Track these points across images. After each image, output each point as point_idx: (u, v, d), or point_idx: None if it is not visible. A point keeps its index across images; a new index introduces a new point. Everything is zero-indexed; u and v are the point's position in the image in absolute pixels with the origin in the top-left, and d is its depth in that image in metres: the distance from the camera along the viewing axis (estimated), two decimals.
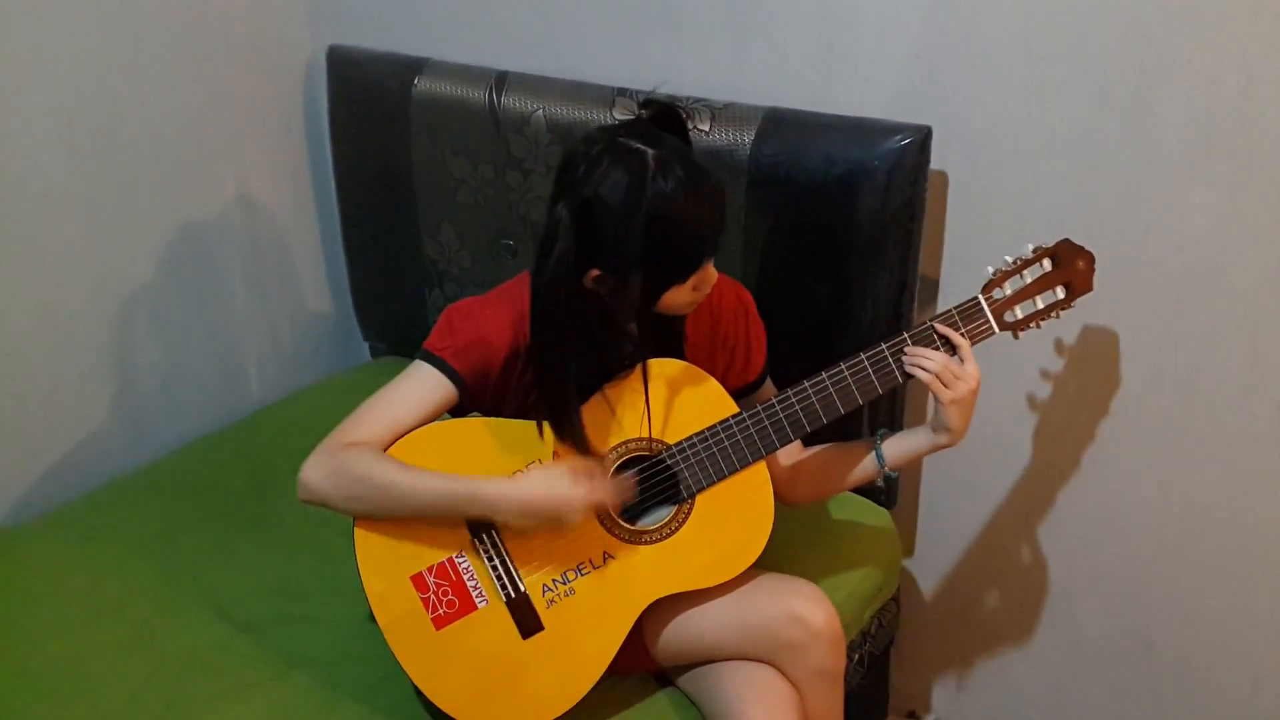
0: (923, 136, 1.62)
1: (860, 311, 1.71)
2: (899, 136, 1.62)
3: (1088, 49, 1.56)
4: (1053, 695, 1.96)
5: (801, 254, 1.74)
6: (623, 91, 1.82)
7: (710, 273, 1.38)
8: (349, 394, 2.15)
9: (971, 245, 1.75)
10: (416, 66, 2.03)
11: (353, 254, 2.29)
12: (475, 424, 1.44)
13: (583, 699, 1.43)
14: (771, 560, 1.48)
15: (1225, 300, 1.58)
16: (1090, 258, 1.49)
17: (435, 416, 1.43)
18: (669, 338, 1.49)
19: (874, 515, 1.85)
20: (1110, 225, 1.63)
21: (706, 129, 1.73)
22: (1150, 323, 1.64)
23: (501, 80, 1.93)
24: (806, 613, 1.42)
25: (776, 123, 1.70)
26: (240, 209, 2.21)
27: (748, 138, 1.71)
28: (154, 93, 2.02)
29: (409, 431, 1.41)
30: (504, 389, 1.46)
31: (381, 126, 2.08)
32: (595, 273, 1.34)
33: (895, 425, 1.81)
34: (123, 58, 1.97)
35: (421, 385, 1.42)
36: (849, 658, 1.76)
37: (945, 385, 1.43)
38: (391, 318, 2.31)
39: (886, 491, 1.86)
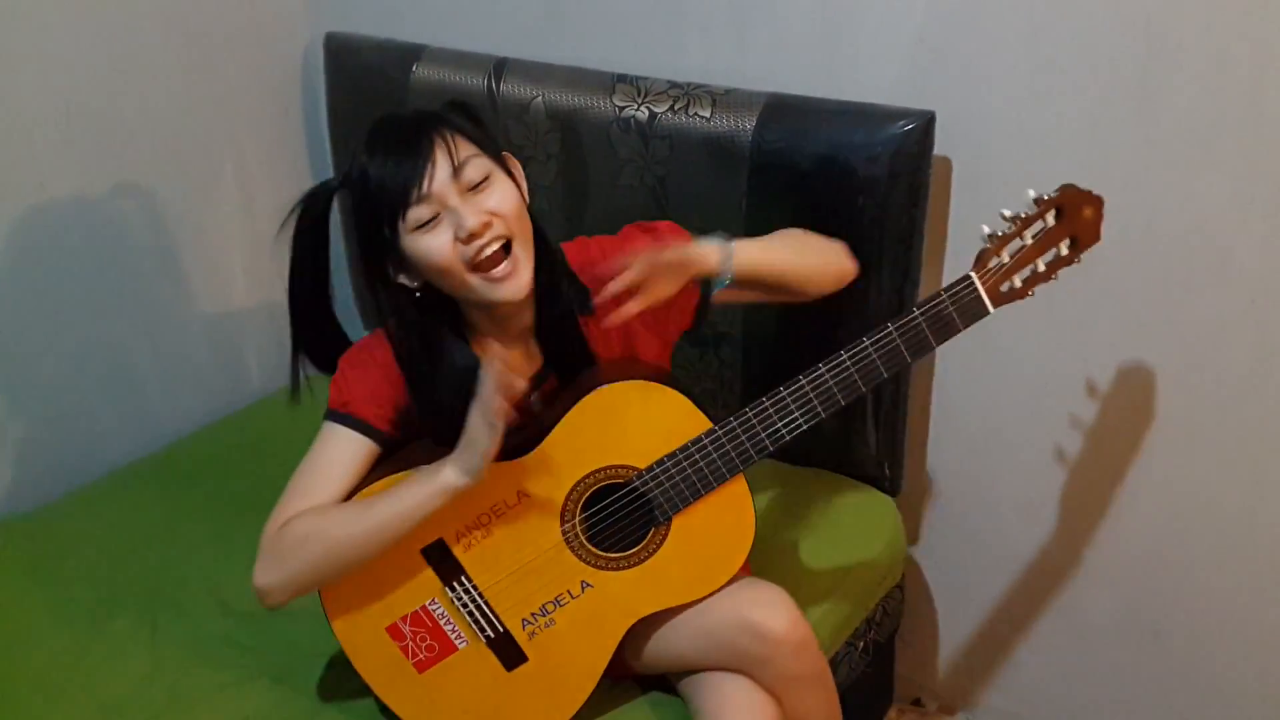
0: (926, 122, 1.61)
1: (863, 299, 1.70)
2: (902, 122, 1.60)
3: (1094, 32, 1.55)
4: (1059, 682, 1.96)
5: None
6: (622, 78, 1.81)
7: (461, 216, 1.27)
8: None
9: (975, 232, 1.74)
10: (414, 53, 2.01)
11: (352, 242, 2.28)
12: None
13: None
14: (775, 548, 1.47)
15: (1232, 286, 1.56)
16: (1099, 203, 1.34)
17: (362, 473, 1.38)
18: (568, 343, 1.42)
19: (878, 502, 1.84)
20: (1116, 211, 1.61)
21: (708, 115, 1.72)
22: (1156, 309, 1.63)
23: (500, 67, 1.92)
24: (765, 622, 1.35)
25: (778, 109, 1.69)
26: (239, 197, 2.20)
27: (749, 124, 1.69)
28: (151, 82, 2.01)
29: (342, 495, 1.36)
30: (417, 421, 1.41)
31: (380, 114, 2.06)
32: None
33: (899, 412, 1.81)
34: (119, 48, 1.95)
35: (340, 448, 1.37)
36: (853, 645, 1.76)
37: None
38: None
39: (891, 479, 1.85)
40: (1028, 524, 1.89)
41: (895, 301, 1.70)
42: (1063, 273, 1.68)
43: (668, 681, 1.51)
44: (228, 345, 2.25)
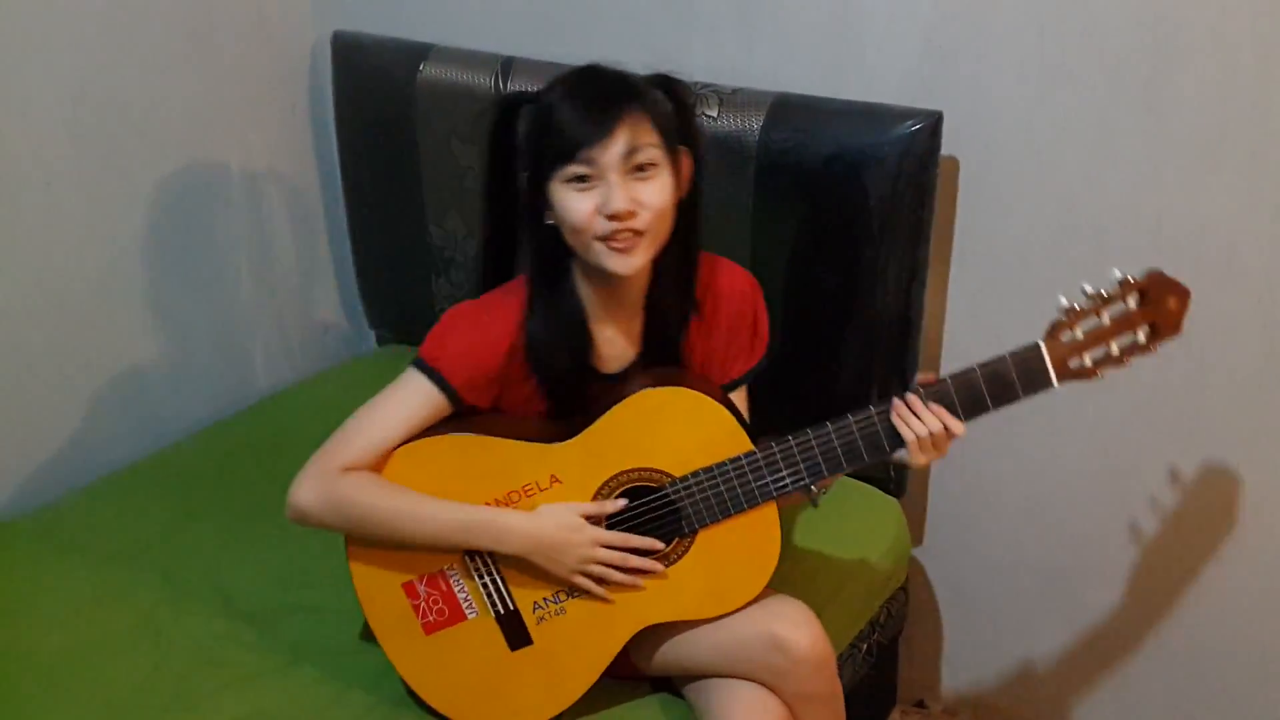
0: (933, 122, 1.61)
1: (870, 299, 1.70)
2: (909, 122, 1.60)
3: (1101, 33, 1.54)
4: (1061, 685, 1.96)
5: (810, 241, 1.73)
6: None
7: (613, 195, 1.28)
8: (355, 382, 2.14)
9: (982, 232, 1.74)
10: (421, 52, 2.01)
11: (358, 242, 2.28)
12: (472, 442, 1.40)
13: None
14: (780, 549, 1.45)
15: (1239, 287, 1.56)
16: (1185, 295, 1.27)
17: (428, 425, 1.40)
18: (668, 345, 1.45)
19: (882, 504, 1.84)
20: (1122, 211, 1.62)
21: (715, 115, 1.72)
22: None
23: (507, 66, 1.92)
24: (789, 637, 1.36)
25: (786, 108, 1.69)
26: (245, 196, 2.20)
27: (756, 123, 1.69)
28: (158, 80, 2.01)
29: (403, 443, 1.39)
30: (502, 392, 1.43)
31: (387, 113, 2.07)
32: (522, 175, 1.36)
33: None
34: (127, 45, 1.95)
35: (414, 397, 1.38)
36: (856, 647, 1.76)
37: (920, 451, 1.34)
38: (397, 305, 2.30)
39: (895, 481, 1.85)
40: (1031, 526, 1.88)
41: (902, 303, 1.70)
42: (1068, 274, 1.68)
43: (671, 683, 1.52)
44: (233, 344, 2.25)
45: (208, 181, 2.14)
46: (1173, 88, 1.52)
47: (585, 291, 1.41)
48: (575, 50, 1.92)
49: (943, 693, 2.11)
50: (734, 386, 1.51)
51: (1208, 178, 1.54)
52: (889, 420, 1.33)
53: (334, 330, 2.45)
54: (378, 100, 2.08)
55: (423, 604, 1.42)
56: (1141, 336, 1.28)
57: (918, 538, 1.99)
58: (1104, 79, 1.56)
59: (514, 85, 1.90)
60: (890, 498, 1.85)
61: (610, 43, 1.93)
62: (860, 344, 1.73)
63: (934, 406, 1.32)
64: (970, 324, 1.80)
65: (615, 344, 1.44)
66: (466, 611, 1.42)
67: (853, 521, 1.80)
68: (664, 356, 1.45)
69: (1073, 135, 1.61)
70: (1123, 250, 1.63)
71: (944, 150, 1.64)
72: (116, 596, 1.68)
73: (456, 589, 1.42)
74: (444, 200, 2.07)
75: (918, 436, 1.31)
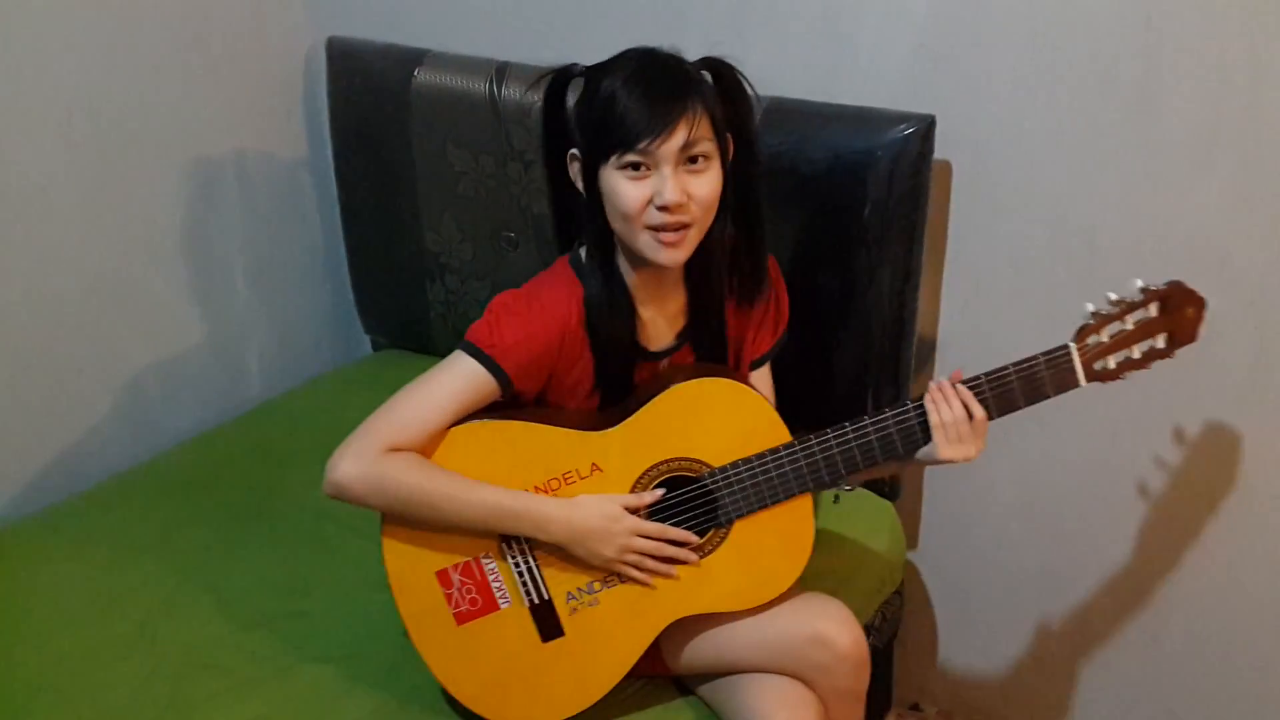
0: (926, 126, 1.61)
1: (864, 302, 1.70)
2: (903, 126, 1.61)
3: (1093, 36, 1.55)
4: (1057, 687, 1.96)
5: (805, 244, 1.73)
6: None
7: (666, 186, 1.30)
8: (351, 387, 2.16)
9: (976, 235, 1.75)
10: (416, 58, 2.01)
11: (353, 247, 2.28)
12: (515, 428, 1.41)
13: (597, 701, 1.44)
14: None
15: (1231, 289, 1.57)
16: (1201, 304, 1.37)
17: (474, 410, 1.40)
18: (711, 323, 1.47)
19: (877, 507, 1.84)
20: (1115, 214, 1.63)
21: None
22: None
23: (502, 71, 1.92)
24: (833, 635, 1.39)
25: (779, 113, 1.69)
26: (240, 202, 2.20)
27: None
28: (153, 85, 2.01)
29: (448, 425, 1.39)
30: (552, 378, 1.44)
31: (382, 118, 2.07)
32: (571, 152, 1.37)
33: None
34: (121, 50, 1.95)
35: (464, 380, 1.38)
36: None
37: (947, 440, 1.37)
38: (392, 310, 2.30)
39: (890, 484, 1.85)
40: (1025, 528, 1.89)
41: (896, 305, 1.70)
42: (1060, 277, 1.70)
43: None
44: (228, 350, 2.25)
45: (203, 187, 2.14)
46: (1165, 91, 1.53)
47: (626, 271, 1.42)
48: (569, 55, 1.92)
49: (937, 695, 2.11)
50: (761, 362, 1.54)
51: (1200, 180, 1.55)
52: (922, 414, 1.37)
53: (329, 335, 2.45)
54: (372, 106, 2.08)
55: (455, 593, 1.42)
56: (1161, 342, 1.37)
57: (912, 541, 2.00)
58: (1096, 82, 1.57)
59: (508, 91, 1.90)
60: (885, 501, 1.86)
61: (604, 47, 1.93)
62: (854, 346, 1.73)
63: (961, 389, 1.36)
64: (964, 326, 1.81)
65: (656, 323, 1.46)
66: (500, 601, 1.42)
67: (848, 525, 1.80)
68: (709, 336, 1.47)
69: (1065, 138, 1.62)
70: (1115, 252, 1.64)
71: (937, 154, 1.65)
72: (112, 602, 1.68)
73: (490, 578, 1.42)
74: (439, 205, 2.07)
75: (943, 421, 1.36)
